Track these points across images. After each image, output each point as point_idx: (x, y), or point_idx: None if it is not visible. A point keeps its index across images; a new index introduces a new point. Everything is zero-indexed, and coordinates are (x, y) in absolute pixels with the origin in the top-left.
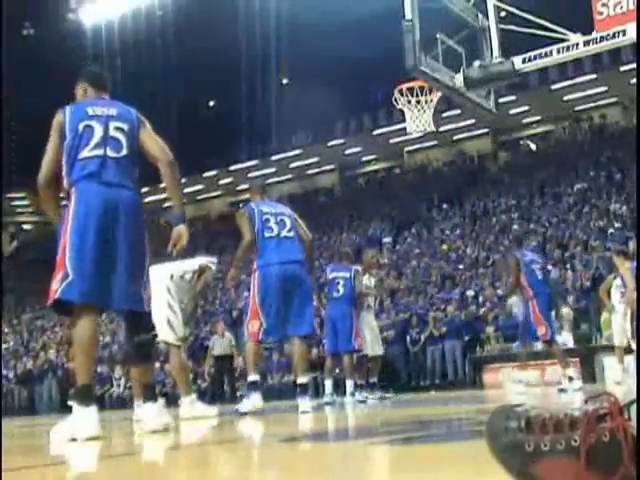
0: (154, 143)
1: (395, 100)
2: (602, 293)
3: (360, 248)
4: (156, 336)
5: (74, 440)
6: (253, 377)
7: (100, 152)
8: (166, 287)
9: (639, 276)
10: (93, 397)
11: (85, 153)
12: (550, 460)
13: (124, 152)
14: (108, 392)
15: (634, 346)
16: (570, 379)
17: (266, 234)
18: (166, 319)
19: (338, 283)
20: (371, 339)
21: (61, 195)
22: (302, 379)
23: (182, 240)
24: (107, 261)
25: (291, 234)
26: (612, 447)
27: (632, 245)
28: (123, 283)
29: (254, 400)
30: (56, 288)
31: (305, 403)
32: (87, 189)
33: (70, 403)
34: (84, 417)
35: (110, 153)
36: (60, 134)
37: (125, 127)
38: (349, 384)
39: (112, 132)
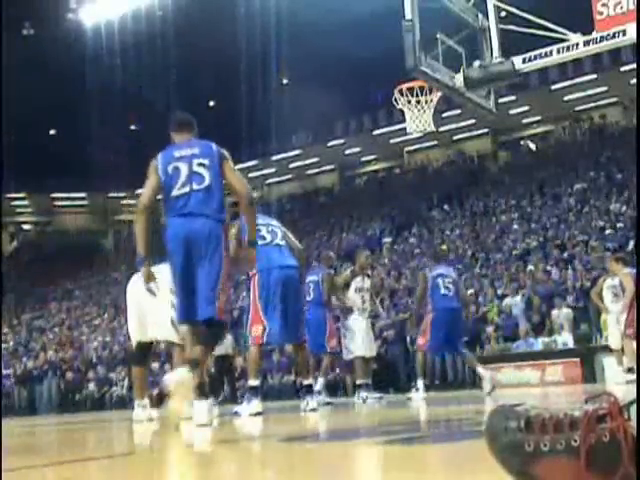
0: (236, 178)
1: (395, 100)
2: (594, 295)
3: (354, 249)
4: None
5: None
6: (254, 382)
7: (187, 189)
8: (170, 287)
9: (639, 276)
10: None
11: (175, 192)
12: (550, 460)
13: (207, 183)
14: (108, 392)
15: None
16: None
17: (259, 242)
18: (170, 319)
19: (310, 287)
20: (365, 341)
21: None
22: (306, 381)
23: (248, 261)
24: (190, 282)
25: (283, 242)
26: (612, 447)
27: (631, 245)
28: (200, 297)
29: (253, 405)
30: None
31: (312, 402)
32: (173, 223)
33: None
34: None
35: (195, 187)
36: (156, 175)
37: (206, 162)
38: (320, 382)
39: (195, 168)
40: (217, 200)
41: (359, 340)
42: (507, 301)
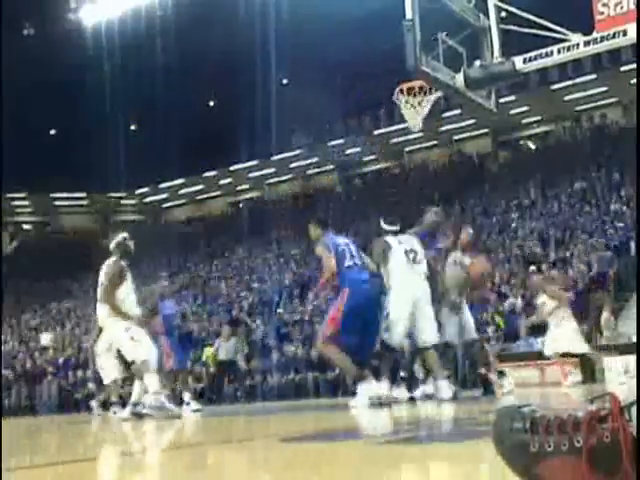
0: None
1: (398, 98)
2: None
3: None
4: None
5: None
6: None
7: (352, 262)
8: None
9: None
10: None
11: (346, 262)
12: (554, 460)
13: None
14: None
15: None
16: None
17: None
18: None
19: None
20: None
21: None
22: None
23: None
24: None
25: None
26: (613, 448)
27: (632, 245)
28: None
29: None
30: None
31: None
32: (353, 280)
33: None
34: (367, 387)
35: (357, 262)
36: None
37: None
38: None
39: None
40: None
41: None
42: (507, 301)
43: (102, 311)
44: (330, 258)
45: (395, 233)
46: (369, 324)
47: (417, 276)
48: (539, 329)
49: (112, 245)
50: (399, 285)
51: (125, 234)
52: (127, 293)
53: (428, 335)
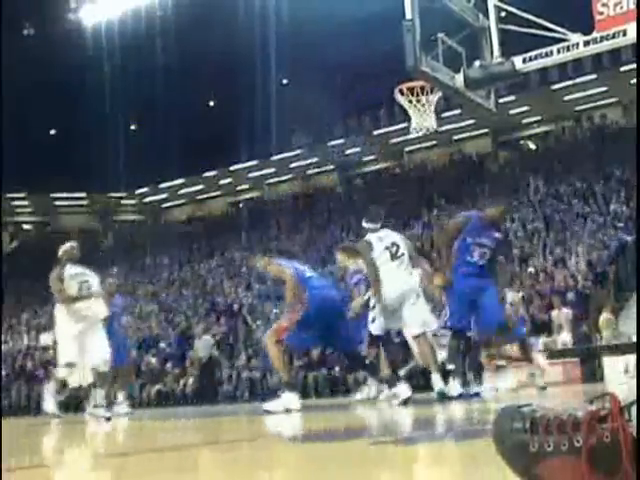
0: None
1: (400, 95)
2: None
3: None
4: None
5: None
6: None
7: (312, 273)
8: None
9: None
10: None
11: (307, 274)
12: (554, 460)
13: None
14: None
15: None
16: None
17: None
18: None
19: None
20: None
21: None
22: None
23: None
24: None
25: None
26: (613, 448)
27: (631, 245)
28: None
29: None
30: None
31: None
32: (314, 286)
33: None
34: (288, 398)
35: (316, 275)
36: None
37: None
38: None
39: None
40: None
41: None
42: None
43: (57, 313)
44: (284, 269)
45: (376, 230)
46: (332, 328)
47: (399, 270)
48: (539, 329)
49: (59, 253)
50: (381, 279)
51: (73, 243)
52: (71, 287)
53: (409, 327)
